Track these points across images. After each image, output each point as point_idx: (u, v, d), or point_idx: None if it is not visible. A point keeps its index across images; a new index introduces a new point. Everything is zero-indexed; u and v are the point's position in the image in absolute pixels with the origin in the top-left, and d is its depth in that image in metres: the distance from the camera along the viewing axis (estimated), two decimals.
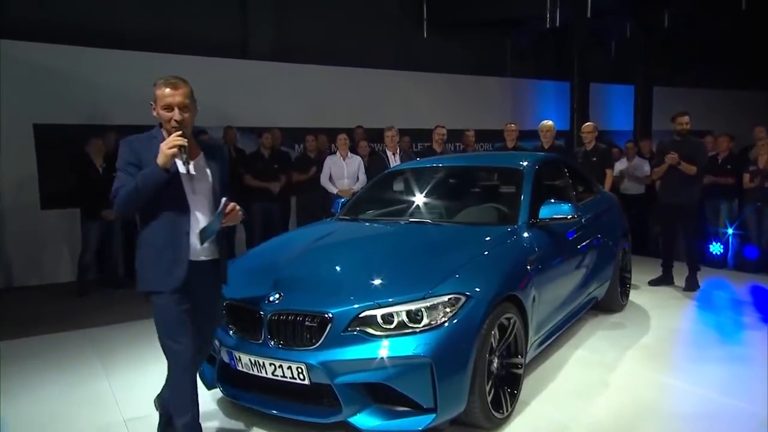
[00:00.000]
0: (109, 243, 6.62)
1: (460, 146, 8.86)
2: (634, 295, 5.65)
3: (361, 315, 2.71)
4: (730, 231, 7.42)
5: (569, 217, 3.70)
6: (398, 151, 7.07)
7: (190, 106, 2.50)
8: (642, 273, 6.35)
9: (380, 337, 2.67)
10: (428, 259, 3.13)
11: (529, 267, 3.39)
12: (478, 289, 2.86)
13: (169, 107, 2.45)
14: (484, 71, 10.47)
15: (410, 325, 2.70)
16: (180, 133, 2.41)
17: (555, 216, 3.69)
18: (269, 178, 7.05)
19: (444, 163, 4.70)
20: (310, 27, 9.18)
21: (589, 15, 8.54)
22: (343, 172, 6.89)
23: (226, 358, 3.00)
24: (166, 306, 2.49)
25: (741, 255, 6.94)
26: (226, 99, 8.11)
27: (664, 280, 6.18)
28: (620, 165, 8.60)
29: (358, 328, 2.69)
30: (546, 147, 6.51)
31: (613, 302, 5.11)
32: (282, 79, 8.60)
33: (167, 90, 2.45)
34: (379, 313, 2.71)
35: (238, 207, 2.59)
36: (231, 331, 3.00)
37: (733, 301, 5.60)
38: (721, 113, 12.64)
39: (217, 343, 3.03)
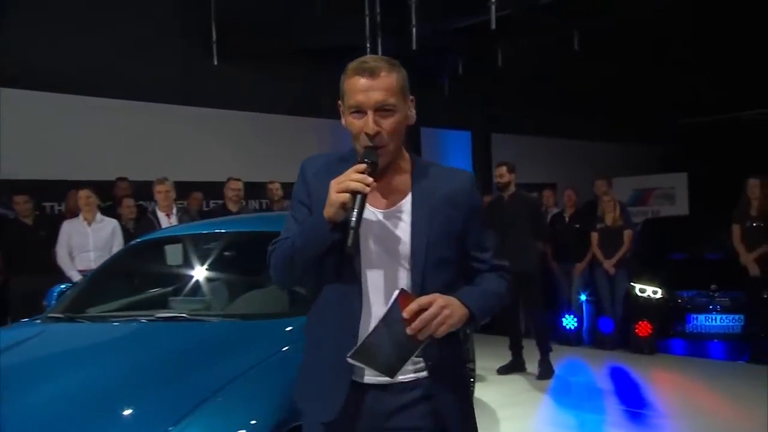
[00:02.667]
0: None
1: (266, 203, 8.37)
2: (479, 390, 5.42)
3: None
4: (582, 297, 7.72)
5: None
6: (174, 211, 6.41)
7: (398, 107, 1.75)
8: (491, 357, 6.21)
9: None
10: (176, 377, 2.55)
11: None
12: (252, 422, 2.34)
13: (358, 109, 1.73)
14: (295, 110, 10.19)
15: None
16: (364, 166, 1.68)
17: None
18: None
19: (216, 228, 4.08)
20: (57, 46, 8.10)
21: (414, 47, 8.71)
22: (88, 243, 5.98)
23: None
24: None
25: (596, 328, 7.18)
26: None
27: (515, 366, 6.11)
28: None
29: None
30: None
31: None
32: None
33: (358, 80, 1.73)
34: None
35: (441, 303, 1.70)
36: None
37: (592, 390, 5.61)
38: (567, 164, 13.79)
39: None
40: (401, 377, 1.77)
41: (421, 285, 1.76)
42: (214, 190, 7.83)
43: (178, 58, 9.14)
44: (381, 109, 1.73)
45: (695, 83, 13.75)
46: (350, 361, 1.71)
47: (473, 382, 5.20)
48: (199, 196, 7.86)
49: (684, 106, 15.05)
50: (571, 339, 7.22)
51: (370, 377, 1.79)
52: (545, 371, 5.88)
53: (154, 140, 8.55)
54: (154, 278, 3.78)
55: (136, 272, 3.90)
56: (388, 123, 1.74)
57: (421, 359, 1.80)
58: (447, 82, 12.43)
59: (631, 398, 5.33)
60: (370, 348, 1.70)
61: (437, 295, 1.70)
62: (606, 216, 7.44)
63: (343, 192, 1.66)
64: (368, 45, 9.30)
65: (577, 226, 7.80)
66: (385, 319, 1.69)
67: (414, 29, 8.74)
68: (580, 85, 12.53)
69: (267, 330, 2.98)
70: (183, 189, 8.24)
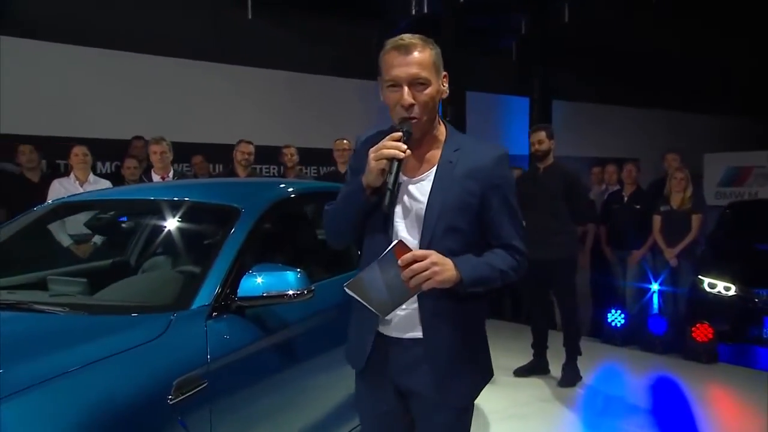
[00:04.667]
0: None
1: (279, 169, 7.79)
2: (484, 393, 4.52)
3: None
4: (654, 287, 6.62)
5: (292, 293, 2.49)
6: (171, 174, 5.92)
7: (431, 81, 1.88)
8: (513, 354, 5.28)
9: None
10: None
11: (172, 400, 2.10)
12: None
13: (394, 83, 1.87)
14: (338, 71, 9.43)
15: None
16: (399, 135, 1.84)
17: (268, 293, 2.48)
18: None
19: (117, 195, 3.37)
20: None
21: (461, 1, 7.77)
22: None
23: None
24: (358, 393, 2.16)
25: (645, 328, 6.06)
26: None
27: (536, 368, 5.20)
28: None
29: None
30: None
31: None
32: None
33: (395, 56, 1.88)
34: None
35: (433, 259, 1.81)
36: None
37: (623, 406, 4.58)
38: (650, 138, 12.35)
39: None
40: (406, 335, 1.96)
41: (427, 247, 1.87)
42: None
43: (210, 12, 8.54)
44: (415, 83, 1.85)
45: None
46: (346, 289, 1.87)
47: None
48: (200, 159, 7.32)
49: None
50: (617, 338, 6.14)
51: (384, 328, 1.99)
52: (569, 377, 4.93)
53: (176, 98, 8.06)
54: (53, 250, 3.16)
55: (40, 241, 3.29)
56: (421, 96, 1.86)
57: (419, 321, 1.95)
58: (514, 46, 11.32)
59: (672, 422, 4.29)
60: (363, 281, 1.87)
61: (433, 252, 1.82)
62: (672, 196, 6.33)
63: (380, 159, 1.82)
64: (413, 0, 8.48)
65: (638, 206, 6.71)
66: (380, 261, 1.83)
67: None
68: (663, 47, 11.00)
69: (109, 329, 2.26)
70: (215, 151, 7.77)
